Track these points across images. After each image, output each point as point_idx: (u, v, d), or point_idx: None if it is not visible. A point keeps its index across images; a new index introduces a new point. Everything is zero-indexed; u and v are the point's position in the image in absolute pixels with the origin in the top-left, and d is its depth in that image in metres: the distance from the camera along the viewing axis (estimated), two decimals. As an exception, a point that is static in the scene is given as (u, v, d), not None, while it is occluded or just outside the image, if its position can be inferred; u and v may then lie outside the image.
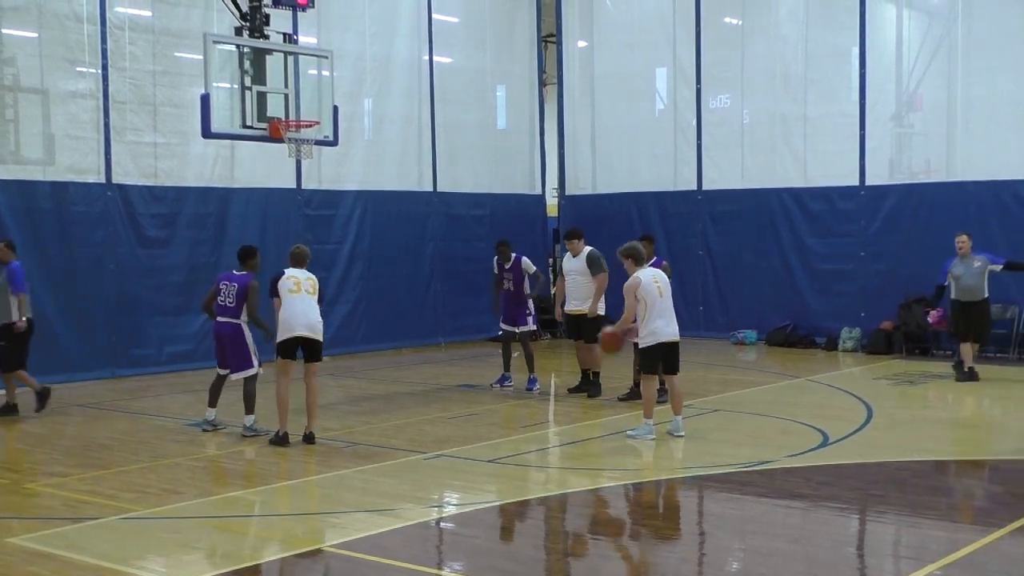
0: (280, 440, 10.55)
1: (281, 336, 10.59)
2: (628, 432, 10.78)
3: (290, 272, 10.79)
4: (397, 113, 19.35)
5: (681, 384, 11.06)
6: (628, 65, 21.24)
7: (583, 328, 13.33)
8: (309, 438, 10.64)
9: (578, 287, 13.43)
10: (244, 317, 11.09)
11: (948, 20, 18.21)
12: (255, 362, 11.12)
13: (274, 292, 10.73)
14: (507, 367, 14.21)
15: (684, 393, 11.20)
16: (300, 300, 10.62)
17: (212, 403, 11.47)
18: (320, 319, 10.75)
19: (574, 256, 13.52)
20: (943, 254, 17.26)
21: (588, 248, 13.47)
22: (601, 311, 13.32)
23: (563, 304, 13.67)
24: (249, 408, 11.08)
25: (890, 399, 13.42)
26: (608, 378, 13.39)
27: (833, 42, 19.02)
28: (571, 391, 13.67)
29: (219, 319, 11.20)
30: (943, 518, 7.84)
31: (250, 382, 11.12)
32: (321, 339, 10.76)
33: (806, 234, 18.96)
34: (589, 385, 13.40)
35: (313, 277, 10.91)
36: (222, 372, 11.39)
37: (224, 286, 11.17)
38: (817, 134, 19.05)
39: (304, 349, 10.70)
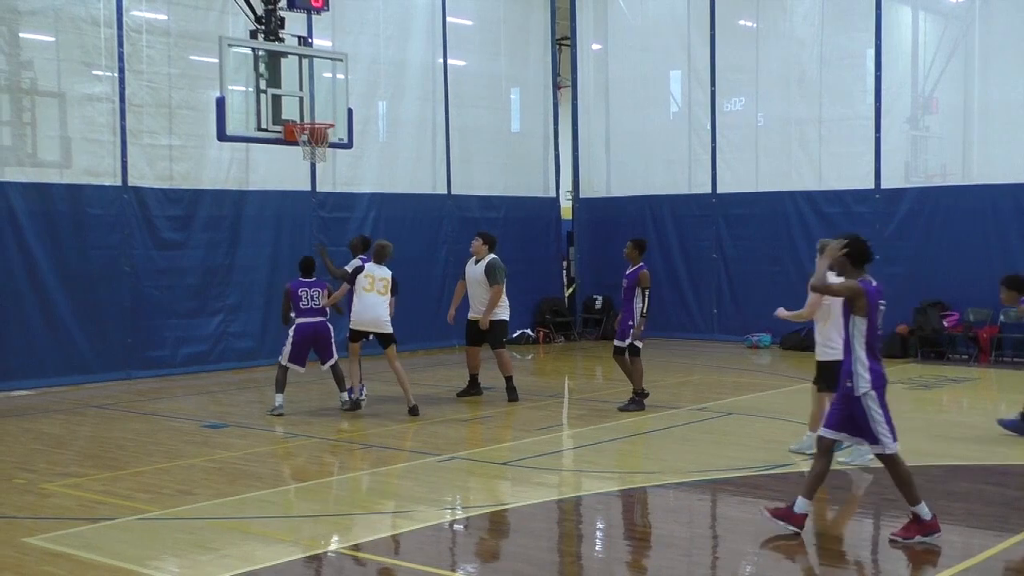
0: (354, 404, 12.45)
1: (351, 324, 12.33)
2: (791, 447, 10.27)
3: (368, 268, 12.33)
4: (411, 116, 19.39)
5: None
6: (642, 68, 21.24)
7: (486, 335, 13.35)
8: (413, 410, 12.23)
9: (477, 298, 13.40)
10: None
11: (965, 22, 18.16)
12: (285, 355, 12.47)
13: (351, 280, 12.35)
14: (359, 379, 13.25)
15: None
16: (369, 298, 12.20)
17: (342, 387, 12.64)
18: (386, 315, 12.30)
19: (476, 262, 13.46)
20: (958, 257, 17.26)
21: (491, 256, 13.42)
22: (505, 316, 13.46)
23: (455, 308, 13.76)
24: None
25: (905, 403, 13.37)
26: (613, 382, 13.37)
27: (848, 45, 18.98)
28: (460, 395, 13.69)
29: (311, 319, 12.38)
30: (958, 523, 7.80)
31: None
32: (387, 331, 12.32)
33: (821, 237, 18.85)
34: (508, 391, 13.40)
35: (387, 277, 12.35)
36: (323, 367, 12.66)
37: (304, 292, 12.39)
38: (832, 137, 19.02)
39: (376, 337, 12.38)
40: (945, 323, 17.18)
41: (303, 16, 15.29)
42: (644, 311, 12.26)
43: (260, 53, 13.21)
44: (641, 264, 12.49)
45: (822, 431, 7.54)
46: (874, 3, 18.03)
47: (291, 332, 12.45)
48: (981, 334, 16.70)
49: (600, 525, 8.35)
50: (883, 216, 18.16)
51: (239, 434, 11.48)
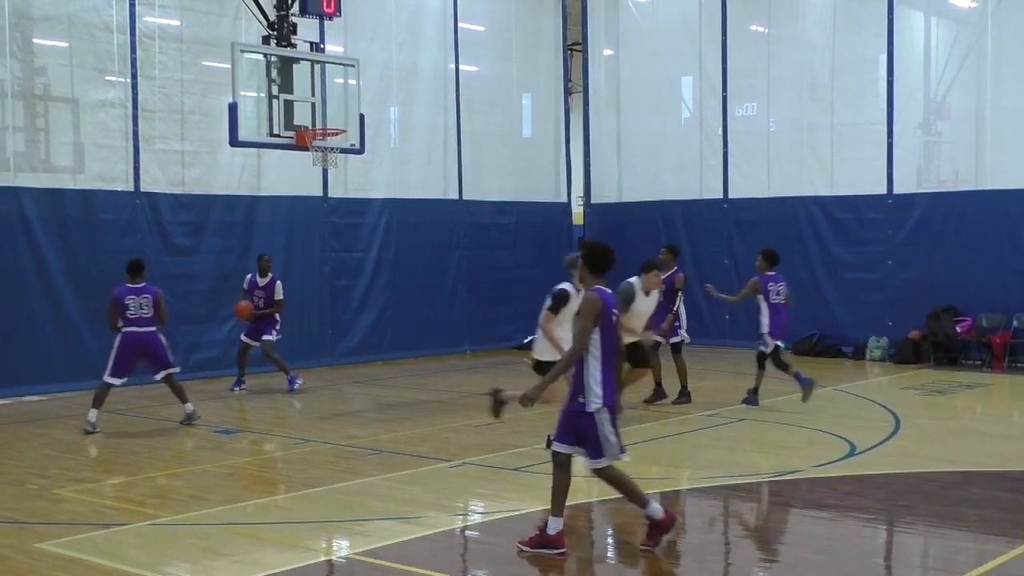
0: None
1: None
2: None
3: None
4: (423, 121, 19.42)
5: None
6: (654, 73, 21.23)
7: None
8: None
9: (640, 325, 12.12)
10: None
11: (977, 27, 18.11)
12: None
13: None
14: (242, 373, 15.01)
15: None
16: None
17: (183, 398, 12.16)
18: (542, 341, 10.25)
19: (649, 292, 12.00)
20: (971, 263, 17.20)
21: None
22: None
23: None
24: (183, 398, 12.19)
25: (918, 409, 13.33)
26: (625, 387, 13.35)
27: (860, 50, 18.95)
28: (647, 402, 13.27)
29: (138, 329, 11.81)
30: (972, 529, 7.77)
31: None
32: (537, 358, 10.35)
33: (832, 243, 18.88)
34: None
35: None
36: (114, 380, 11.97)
37: (132, 300, 11.79)
38: (844, 142, 18.98)
39: None
40: (958, 329, 17.11)
41: (315, 22, 15.32)
42: (675, 310, 13.18)
43: (272, 59, 13.25)
44: (676, 268, 13.39)
45: (555, 446, 7.24)
46: (886, 8, 17.98)
47: (116, 342, 11.87)
48: (994, 340, 16.63)
49: (612, 531, 8.33)
50: (895, 221, 18.11)
51: (251, 440, 11.49)
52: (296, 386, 14.81)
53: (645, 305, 12.00)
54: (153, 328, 11.89)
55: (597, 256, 7.16)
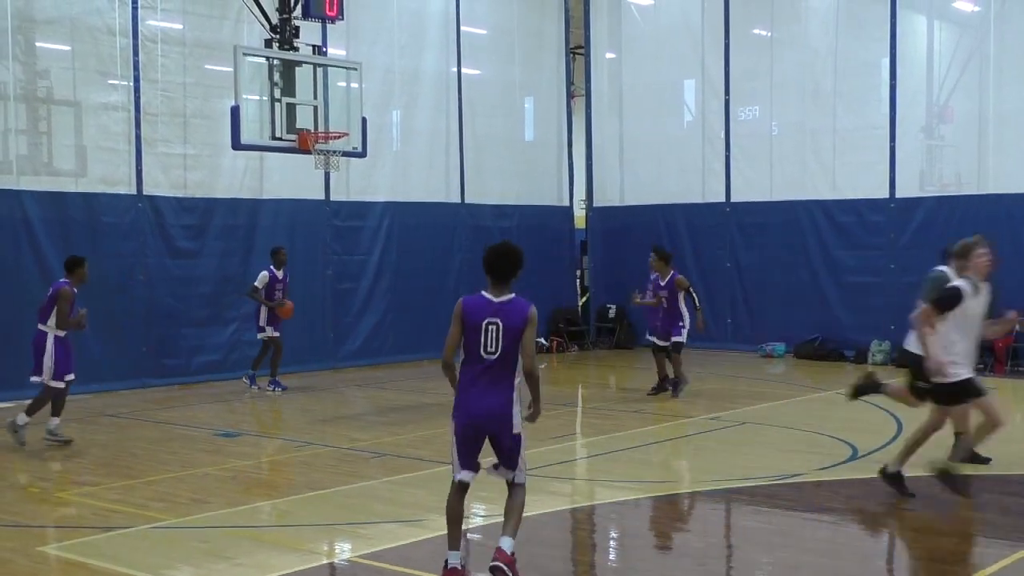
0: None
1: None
2: None
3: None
4: (425, 125, 19.42)
5: None
6: (656, 76, 21.23)
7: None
8: None
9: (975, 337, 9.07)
10: (51, 323, 11.26)
11: (979, 31, 18.09)
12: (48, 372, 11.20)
13: None
14: (255, 367, 15.21)
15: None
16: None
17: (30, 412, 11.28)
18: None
19: (979, 289, 8.93)
20: (974, 267, 17.16)
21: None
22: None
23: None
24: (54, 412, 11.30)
25: (920, 413, 13.28)
26: (627, 391, 13.34)
27: (863, 54, 18.94)
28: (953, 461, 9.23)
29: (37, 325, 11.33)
30: (974, 533, 7.76)
31: (50, 389, 11.24)
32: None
33: (835, 246, 18.86)
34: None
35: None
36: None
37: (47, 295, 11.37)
38: (846, 146, 18.97)
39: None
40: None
41: (317, 25, 15.33)
42: (698, 304, 14.30)
43: (275, 62, 13.26)
44: (673, 271, 14.22)
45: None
46: (889, 12, 17.97)
47: None
48: (997, 344, 16.60)
49: (614, 534, 8.32)
50: (898, 225, 18.10)
51: (252, 443, 11.48)
52: (278, 390, 14.99)
53: (980, 305, 9.00)
54: (41, 325, 11.30)
55: (487, 261, 6.71)
